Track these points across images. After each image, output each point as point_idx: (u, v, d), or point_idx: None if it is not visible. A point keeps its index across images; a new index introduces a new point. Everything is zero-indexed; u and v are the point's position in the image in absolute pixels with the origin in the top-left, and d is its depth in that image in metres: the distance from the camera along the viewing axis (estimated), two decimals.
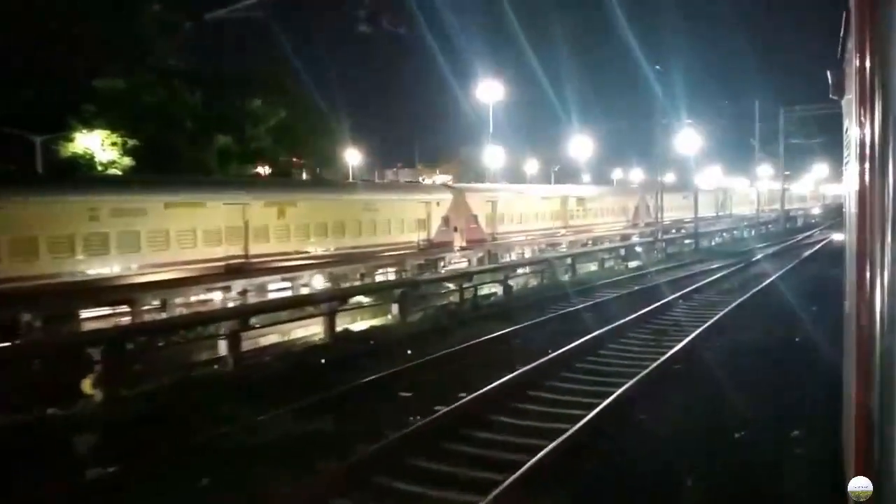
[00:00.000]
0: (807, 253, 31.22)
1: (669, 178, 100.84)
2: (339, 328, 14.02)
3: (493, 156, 40.40)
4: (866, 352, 1.43)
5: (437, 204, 27.55)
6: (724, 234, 43.59)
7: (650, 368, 10.12)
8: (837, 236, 26.37)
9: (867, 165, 1.41)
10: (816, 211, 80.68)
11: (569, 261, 23.39)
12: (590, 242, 36.99)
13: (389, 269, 23.77)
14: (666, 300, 17.22)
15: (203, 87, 31.42)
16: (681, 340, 12.05)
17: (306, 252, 21.38)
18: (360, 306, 15.87)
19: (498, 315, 16.01)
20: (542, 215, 35.50)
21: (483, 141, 53.54)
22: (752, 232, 45.22)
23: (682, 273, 24.80)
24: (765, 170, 70.11)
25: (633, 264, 29.56)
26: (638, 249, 30.60)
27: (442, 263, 25.41)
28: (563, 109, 50.46)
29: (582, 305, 17.03)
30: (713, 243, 38.64)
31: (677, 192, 58.43)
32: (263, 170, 51.95)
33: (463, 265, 27.08)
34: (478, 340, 12.43)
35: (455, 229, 29.09)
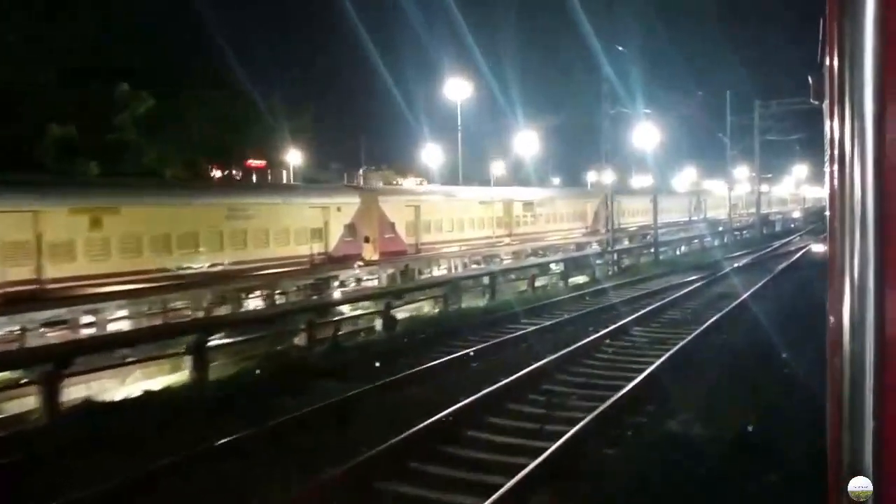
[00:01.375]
0: (783, 265, 27.10)
1: (646, 180, 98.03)
2: (80, 395, 9.43)
3: (431, 155, 35.94)
4: (835, 353, 1.36)
5: (339, 209, 22.98)
6: (694, 241, 39.44)
7: None
8: (817, 247, 22.26)
9: (836, 168, 1.35)
10: (797, 214, 77.22)
11: (486, 280, 18.86)
12: (541, 252, 32.68)
13: (266, 292, 19.13)
14: (585, 342, 12.84)
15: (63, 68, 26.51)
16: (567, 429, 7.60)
17: (140, 273, 16.69)
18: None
19: (354, 365, 11.52)
20: (481, 222, 31.09)
21: (450, 141, 49.32)
22: (726, 239, 41.12)
23: (628, 293, 20.50)
24: (743, 171, 66.53)
25: (579, 279, 25.25)
26: (597, 262, 26.26)
27: (336, 283, 20.79)
28: (525, 104, 46.27)
29: (479, 346, 12.64)
30: (679, 252, 34.43)
31: (645, 196, 54.49)
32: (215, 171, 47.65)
33: (372, 283, 22.55)
34: (292, 415, 8.12)
35: (366, 239, 24.54)
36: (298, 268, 20.87)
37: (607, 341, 13.50)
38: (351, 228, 23.43)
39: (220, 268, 18.55)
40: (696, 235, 40.81)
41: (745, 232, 47.71)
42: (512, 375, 9.99)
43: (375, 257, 24.30)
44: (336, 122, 55.99)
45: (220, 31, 43.70)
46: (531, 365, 10.71)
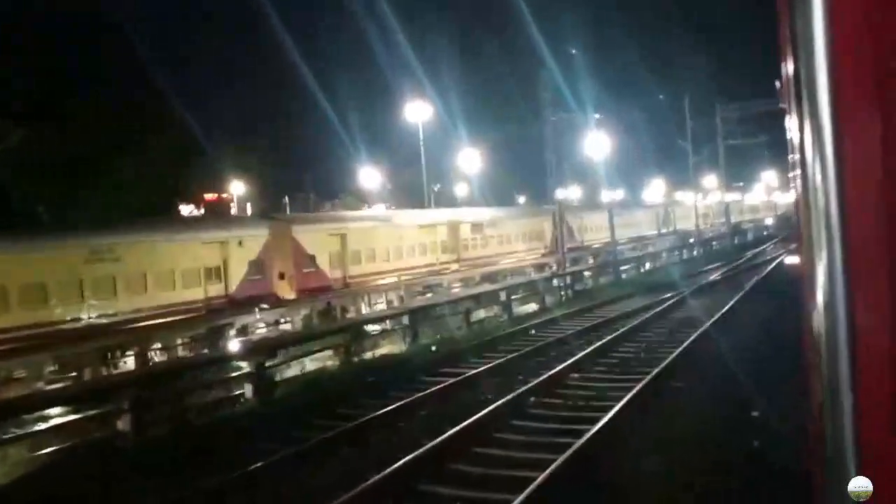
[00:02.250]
0: (754, 279, 24.54)
1: (617, 194, 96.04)
2: None
3: (368, 178, 33.09)
4: (814, 360, 1.37)
5: (241, 244, 19.93)
6: (662, 255, 36.89)
7: None
8: (790, 259, 19.67)
9: (799, 173, 1.40)
10: (770, 221, 75.53)
11: (407, 320, 15.91)
12: (505, 277, 29.87)
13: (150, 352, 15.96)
14: (505, 401, 9.98)
15: None
16: None
17: None
18: None
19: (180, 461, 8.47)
20: (422, 248, 28.19)
21: (415, 164, 46.55)
22: (695, 252, 38.66)
23: (577, 325, 17.77)
24: (713, 180, 64.66)
25: (529, 308, 22.44)
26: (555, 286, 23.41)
27: (233, 332, 17.66)
28: (478, 120, 43.73)
29: (363, 418, 9.67)
30: (643, 270, 31.79)
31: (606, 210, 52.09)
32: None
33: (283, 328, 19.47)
34: None
35: (281, 276, 21.49)
36: (189, 315, 17.74)
37: (532, 399, 10.60)
38: (258, 265, 20.39)
39: (82, 323, 15.38)
40: (663, 250, 38.26)
41: (714, 243, 45.37)
42: (374, 476, 7.04)
43: (291, 296, 21.23)
44: (284, 153, 52.97)
45: (159, 67, 41.03)
46: (418, 448, 7.79)
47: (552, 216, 40.49)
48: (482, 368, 12.90)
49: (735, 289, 22.80)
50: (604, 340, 14.95)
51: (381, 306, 23.62)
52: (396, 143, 42.29)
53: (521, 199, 74.74)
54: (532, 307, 22.47)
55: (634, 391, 10.09)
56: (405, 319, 16.09)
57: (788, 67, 1.29)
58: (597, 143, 26.55)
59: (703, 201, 76.82)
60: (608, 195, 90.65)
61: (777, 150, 67.69)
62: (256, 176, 52.92)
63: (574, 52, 29.49)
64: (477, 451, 8.22)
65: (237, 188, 53.78)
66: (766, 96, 44.64)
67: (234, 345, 16.70)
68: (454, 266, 30.09)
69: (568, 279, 24.24)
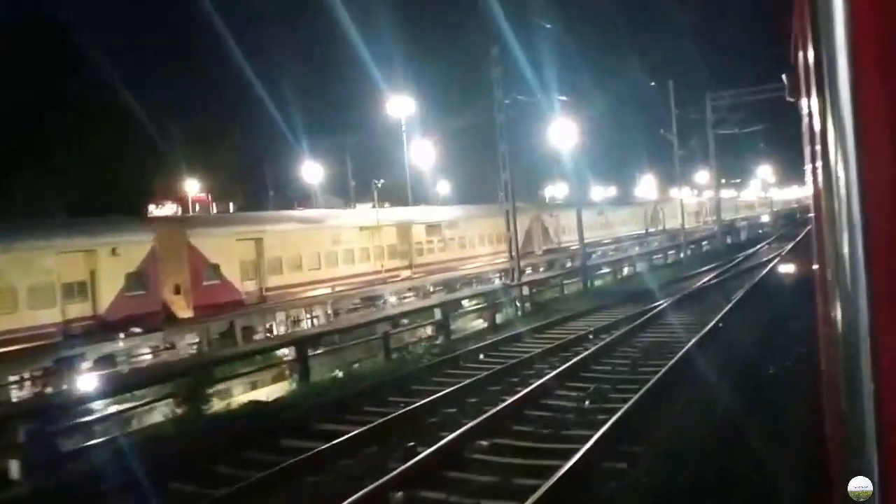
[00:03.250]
0: (746, 287, 21.09)
1: (606, 191, 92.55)
2: None
3: (310, 173, 29.57)
4: (831, 358, 1.45)
5: (114, 252, 16.38)
6: (642, 258, 33.37)
7: None
8: (785, 267, 16.26)
9: (818, 165, 1.41)
10: (766, 219, 72.08)
11: (290, 351, 12.38)
12: (470, 284, 26.46)
13: None
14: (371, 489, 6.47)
15: None
16: None
17: None
18: None
19: None
20: (365, 253, 24.70)
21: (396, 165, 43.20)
22: (681, 254, 35.19)
23: (526, 349, 14.46)
24: (706, 175, 61.31)
25: (474, 325, 19.04)
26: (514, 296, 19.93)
27: (88, 364, 14.09)
28: (449, 110, 40.13)
29: None
30: (620, 276, 28.33)
31: (588, 208, 48.58)
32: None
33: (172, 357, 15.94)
34: None
35: (177, 290, 17.96)
36: (36, 343, 14.20)
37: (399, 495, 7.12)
38: (139, 277, 16.85)
39: None
40: (645, 252, 34.76)
41: (705, 243, 41.96)
42: None
43: (188, 314, 17.70)
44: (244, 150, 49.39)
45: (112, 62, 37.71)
46: None
47: (530, 216, 37.15)
48: (364, 428, 9.41)
49: (721, 300, 19.39)
50: (543, 379, 11.48)
51: (305, 324, 20.13)
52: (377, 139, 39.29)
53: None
54: (480, 324, 19.03)
55: (585, 449, 6.67)
56: (299, 350, 12.54)
57: (807, 56, 1.34)
58: (562, 131, 23.05)
59: (695, 198, 73.79)
60: (599, 193, 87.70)
61: (774, 142, 64.43)
62: (214, 174, 49.40)
63: (548, 26, 25.93)
64: None
65: (192, 187, 50.21)
66: (757, 84, 41.38)
67: (87, 382, 13.17)
68: (405, 273, 26.61)
69: (525, 290, 20.74)
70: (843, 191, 1.17)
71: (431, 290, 24.40)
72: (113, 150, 41.45)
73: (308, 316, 19.99)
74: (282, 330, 18.87)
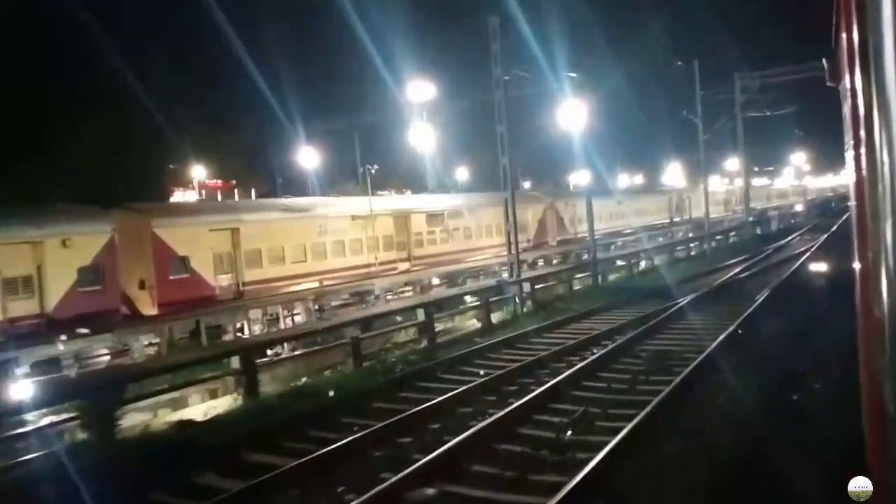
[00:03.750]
0: (773, 285, 19.04)
1: (631, 179, 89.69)
2: None
3: (307, 159, 27.96)
4: (872, 354, 1.37)
5: (65, 244, 14.91)
6: (663, 250, 31.26)
7: None
8: (817, 266, 14.26)
9: (863, 152, 1.33)
10: (799, 208, 68.93)
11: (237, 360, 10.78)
12: (478, 277, 24.78)
13: None
14: None
15: None
16: None
17: None
18: None
19: None
20: (357, 245, 23.07)
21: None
22: (705, 246, 32.99)
23: (513, 359, 12.80)
24: (736, 162, 58.60)
25: (467, 325, 17.36)
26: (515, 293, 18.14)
27: (22, 370, 12.63)
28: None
29: None
30: (637, 270, 26.34)
31: (605, 196, 46.36)
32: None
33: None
34: None
35: (142, 285, 16.52)
36: None
37: None
38: (95, 272, 15.40)
39: None
40: (666, 244, 32.61)
41: (732, 234, 39.62)
42: None
43: (153, 311, 16.24)
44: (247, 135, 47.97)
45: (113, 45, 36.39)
46: None
47: (537, 205, 35.21)
48: (294, 463, 7.80)
49: (744, 300, 17.41)
50: (526, 398, 9.78)
51: (284, 322, 18.59)
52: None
53: (527, 185, 69.16)
54: (473, 325, 17.33)
55: None
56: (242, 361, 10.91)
57: (851, 38, 1.25)
58: (572, 112, 21.08)
59: (724, 186, 70.93)
60: (625, 181, 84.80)
61: (808, 128, 61.41)
62: (221, 161, 48.16)
63: None
64: None
65: (199, 172, 48.97)
66: (788, 65, 38.76)
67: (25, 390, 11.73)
68: (403, 266, 24.95)
69: (527, 286, 18.94)
70: (888, 178, 1.12)
71: (431, 283, 22.69)
72: (113, 136, 40.39)
73: (287, 313, 18.43)
74: (256, 329, 17.33)
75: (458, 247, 27.67)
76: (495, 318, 18.35)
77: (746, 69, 39.50)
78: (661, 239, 41.90)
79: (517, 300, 18.20)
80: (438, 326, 16.74)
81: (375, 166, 25.20)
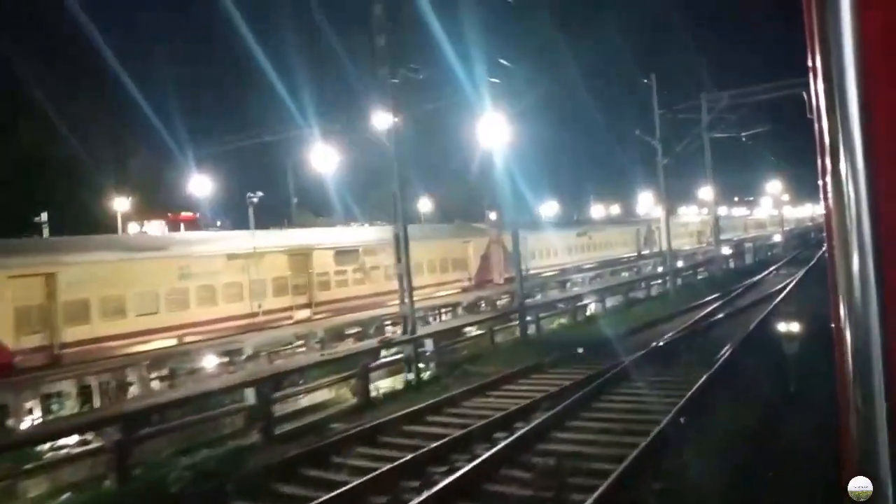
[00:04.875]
0: (738, 337, 15.31)
1: (603, 209, 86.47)
2: None
3: (198, 187, 24.07)
4: (845, 384, 1.39)
5: None
6: (617, 291, 27.43)
7: None
8: (785, 326, 10.44)
9: (829, 181, 1.34)
10: (777, 238, 65.83)
11: None
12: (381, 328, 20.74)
13: None
14: None
15: None
16: None
17: None
18: None
19: None
20: (234, 290, 19.07)
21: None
22: (668, 284, 29.25)
23: (375, 463, 8.84)
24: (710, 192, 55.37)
25: (344, 400, 13.36)
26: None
27: None
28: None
29: None
30: (584, 315, 22.45)
31: (570, 229, 42.74)
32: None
33: None
34: None
35: None
36: None
37: None
38: None
39: None
40: (622, 283, 28.78)
41: (700, 270, 36.08)
42: None
43: None
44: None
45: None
46: None
47: (488, 238, 31.47)
48: None
49: (699, 363, 13.65)
50: None
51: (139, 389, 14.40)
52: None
53: (493, 216, 65.42)
54: (346, 401, 13.32)
55: None
56: None
57: (817, 68, 1.27)
58: (494, 129, 17.41)
59: (699, 216, 67.82)
60: (600, 211, 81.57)
61: (784, 153, 58.53)
62: (140, 191, 43.92)
63: None
64: None
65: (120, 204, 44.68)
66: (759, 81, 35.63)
67: None
68: (302, 314, 20.93)
69: (430, 344, 15.00)
70: (853, 209, 1.18)
71: (322, 335, 18.63)
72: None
73: (114, 383, 14.29)
74: (65, 410, 13.15)
75: (378, 288, 23.70)
76: (384, 387, 14.42)
77: (714, 90, 36.38)
78: (625, 274, 38.31)
79: (411, 366, 14.23)
80: (295, 405, 12.76)
81: (259, 194, 21.25)
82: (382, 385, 14.50)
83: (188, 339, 17.35)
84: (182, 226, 42.22)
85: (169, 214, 44.60)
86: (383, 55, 14.39)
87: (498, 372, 14.55)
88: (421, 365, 15.38)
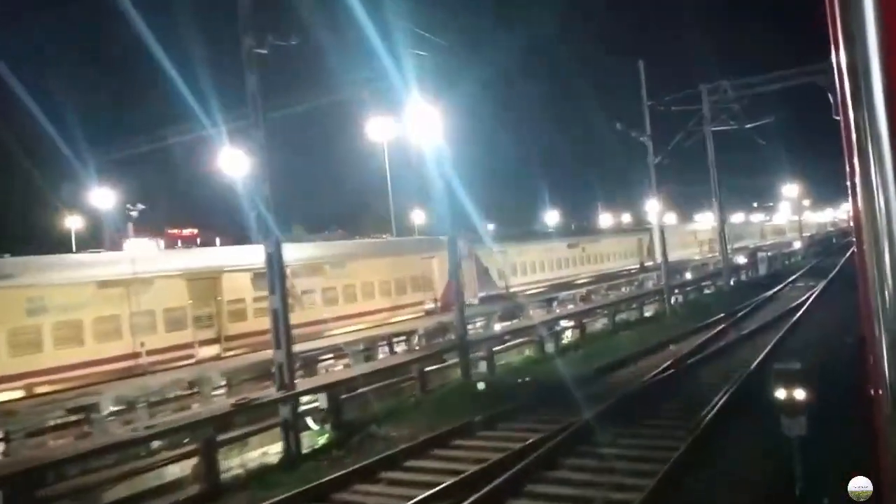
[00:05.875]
0: (736, 378, 11.67)
1: (611, 218, 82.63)
2: None
3: (101, 199, 20.71)
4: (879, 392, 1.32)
5: None
6: (602, 312, 23.63)
7: None
8: (785, 391, 6.64)
9: (858, 182, 1.30)
10: (797, 245, 61.57)
11: None
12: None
13: None
14: None
15: None
16: None
17: None
18: None
19: None
20: (110, 325, 15.67)
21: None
22: (665, 306, 25.41)
23: None
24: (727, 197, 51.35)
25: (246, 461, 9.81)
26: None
27: None
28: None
29: None
30: (551, 349, 18.69)
31: (559, 239, 39.01)
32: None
33: None
34: None
35: None
36: None
37: None
38: None
39: None
40: (606, 304, 24.91)
41: (707, 283, 32.26)
42: None
43: None
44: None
45: None
46: None
47: (444, 252, 27.85)
48: None
49: (679, 422, 10.06)
50: None
51: None
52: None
53: (491, 227, 61.64)
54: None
55: None
56: None
57: (842, 66, 1.25)
58: (426, 124, 13.92)
59: (710, 224, 63.83)
60: (609, 220, 77.64)
61: (805, 160, 54.61)
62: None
63: None
64: None
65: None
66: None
67: None
68: (208, 352, 17.46)
69: (323, 400, 11.44)
70: (883, 210, 1.16)
71: (218, 378, 15.12)
72: None
73: None
74: None
75: (313, 315, 20.23)
76: (254, 458, 10.87)
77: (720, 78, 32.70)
78: (625, 289, 34.53)
79: (289, 432, 10.65)
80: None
81: (139, 206, 17.86)
82: (251, 458, 10.95)
83: (42, 388, 13.93)
84: (179, 243, 38.89)
85: (167, 230, 41.44)
86: (247, 22, 10.90)
87: (412, 437, 10.97)
88: (315, 427, 11.84)
